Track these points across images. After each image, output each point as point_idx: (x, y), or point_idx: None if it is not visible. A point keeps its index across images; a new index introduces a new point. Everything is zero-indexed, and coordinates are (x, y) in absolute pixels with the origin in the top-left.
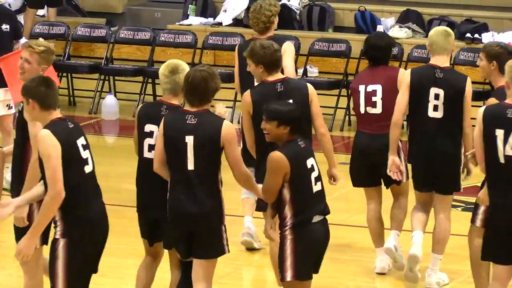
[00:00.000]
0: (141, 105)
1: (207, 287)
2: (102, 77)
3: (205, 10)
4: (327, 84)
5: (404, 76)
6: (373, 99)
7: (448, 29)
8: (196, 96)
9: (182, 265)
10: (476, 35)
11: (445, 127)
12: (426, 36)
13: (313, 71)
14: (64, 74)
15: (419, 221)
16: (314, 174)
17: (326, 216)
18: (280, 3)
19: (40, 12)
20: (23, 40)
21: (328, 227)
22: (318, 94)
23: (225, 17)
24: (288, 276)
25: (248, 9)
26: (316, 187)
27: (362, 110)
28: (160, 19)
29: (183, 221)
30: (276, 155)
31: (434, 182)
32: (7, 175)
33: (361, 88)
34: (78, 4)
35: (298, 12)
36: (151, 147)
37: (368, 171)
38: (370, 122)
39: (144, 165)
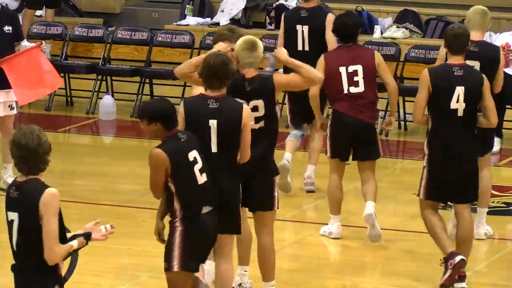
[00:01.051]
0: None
1: (231, 261)
2: (100, 77)
3: (203, 10)
4: None
5: (439, 52)
6: (355, 78)
7: (486, 8)
8: (217, 79)
9: None
10: None
11: None
12: (423, 36)
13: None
14: (62, 74)
15: None
16: (197, 166)
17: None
18: (277, 3)
19: (38, 12)
20: (24, 42)
21: (216, 218)
22: None
23: (223, 17)
24: (175, 266)
25: (245, 9)
26: (202, 179)
27: (345, 90)
28: (157, 19)
29: (210, 200)
30: (155, 152)
31: None
32: (4, 176)
33: (342, 69)
34: (75, 4)
35: None
36: None
37: (347, 146)
38: (352, 100)
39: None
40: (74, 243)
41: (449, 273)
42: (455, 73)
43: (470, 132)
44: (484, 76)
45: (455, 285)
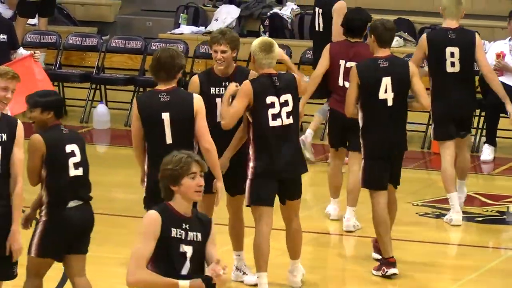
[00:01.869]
0: (249, 82)
1: None
2: (94, 86)
3: (197, 19)
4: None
5: (421, 40)
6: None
7: None
8: (164, 72)
9: None
10: None
11: (463, 79)
12: (417, 44)
13: (304, 80)
14: (56, 83)
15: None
16: (74, 159)
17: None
18: (271, 12)
19: (32, 21)
20: (20, 50)
21: (89, 212)
22: (308, 103)
23: (217, 26)
24: (33, 252)
25: (239, 18)
26: (76, 172)
27: (340, 83)
28: (151, 28)
29: None
30: (34, 137)
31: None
32: None
33: (342, 63)
34: (69, 13)
35: (289, 21)
36: (274, 116)
37: (340, 138)
38: (344, 95)
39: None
40: (184, 284)
41: (379, 274)
42: (380, 65)
43: (401, 121)
44: (410, 63)
45: (373, 255)
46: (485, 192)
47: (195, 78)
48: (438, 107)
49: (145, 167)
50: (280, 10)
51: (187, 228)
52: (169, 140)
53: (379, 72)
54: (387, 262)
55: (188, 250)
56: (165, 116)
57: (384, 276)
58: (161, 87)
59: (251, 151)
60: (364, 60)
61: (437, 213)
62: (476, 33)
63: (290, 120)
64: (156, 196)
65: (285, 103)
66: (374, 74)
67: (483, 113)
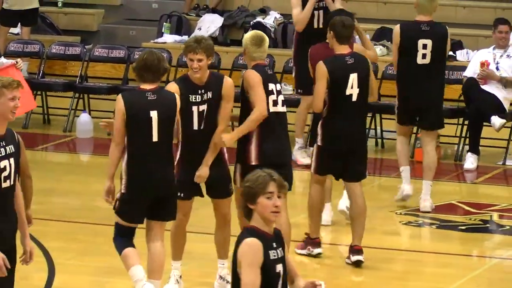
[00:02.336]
0: (252, 71)
1: (163, 245)
2: (77, 95)
3: (180, 28)
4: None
5: (393, 33)
6: None
7: None
8: (150, 73)
9: (126, 231)
10: (451, 53)
11: (432, 71)
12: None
13: (287, 89)
14: (39, 92)
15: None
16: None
17: None
18: (254, 21)
19: (15, 30)
20: (2, 59)
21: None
22: (292, 112)
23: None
24: None
25: (222, 27)
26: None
27: None
28: (135, 37)
29: (152, 187)
30: None
31: (421, 119)
32: None
33: None
34: (52, 22)
35: (272, 30)
36: (274, 102)
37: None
38: None
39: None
40: None
41: (303, 252)
42: (348, 62)
43: (364, 117)
44: (369, 60)
45: (352, 258)
46: (469, 201)
47: (175, 85)
48: (406, 97)
49: (124, 165)
50: (263, 19)
51: (275, 246)
52: (155, 138)
53: (347, 69)
54: (314, 242)
55: (281, 268)
56: (153, 114)
57: (309, 255)
58: (145, 86)
59: (254, 138)
60: (330, 57)
61: (420, 221)
62: (446, 27)
63: (284, 109)
64: (134, 195)
65: (280, 92)
66: (343, 71)
67: (466, 122)
